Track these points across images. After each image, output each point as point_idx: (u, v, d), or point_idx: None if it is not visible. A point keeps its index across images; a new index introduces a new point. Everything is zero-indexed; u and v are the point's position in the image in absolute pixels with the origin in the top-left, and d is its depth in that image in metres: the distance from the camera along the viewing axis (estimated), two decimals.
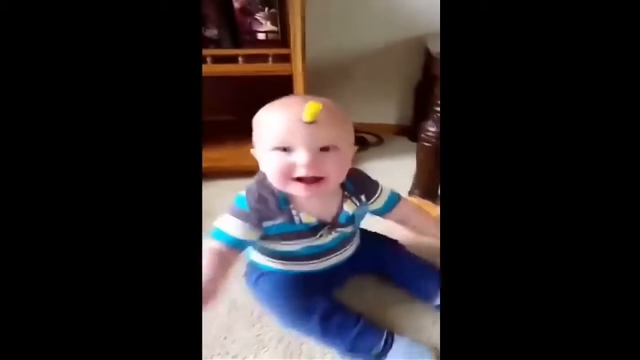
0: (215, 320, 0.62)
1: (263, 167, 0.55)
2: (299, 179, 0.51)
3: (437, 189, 0.94)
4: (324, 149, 0.50)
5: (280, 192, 0.55)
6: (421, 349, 0.54)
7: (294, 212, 0.56)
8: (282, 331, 0.60)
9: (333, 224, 0.59)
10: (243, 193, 0.56)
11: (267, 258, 0.63)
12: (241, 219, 0.54)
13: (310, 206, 0.57)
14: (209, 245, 0.52)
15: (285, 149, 0.50)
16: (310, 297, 0.58)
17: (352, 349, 0.54)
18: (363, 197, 0.62)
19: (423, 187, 0.94)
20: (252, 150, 0.58)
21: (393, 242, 0.72)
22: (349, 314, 0.58)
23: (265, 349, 0.57)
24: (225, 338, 0.59)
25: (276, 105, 0.53)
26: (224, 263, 0.51)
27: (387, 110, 1.46)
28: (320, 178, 0.51)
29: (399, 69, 1.36)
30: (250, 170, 0.61)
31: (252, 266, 0.66)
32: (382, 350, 0.53)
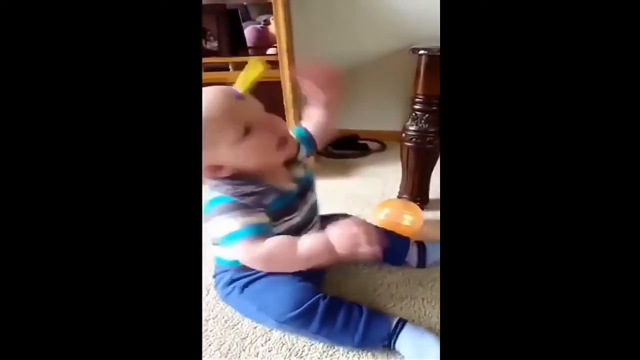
0: None
1: (241, 161, 0.51)
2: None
3: (422, 190, 0.87)
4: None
5: (243, 181, 0.52)
6: (429, 339, 0.51)
7: (274, 185, 0.54)
8: (223, 337, 0.57)
9: (303, 191, 0.59)
10: (214, 195, 0.52)
11: None
12: (239, 209, 0.50)
13: (276, 176, 0.55)
14: (258, 250, 0.49)
15: (248, 130, 0.49)
16: (305, 297, 0.53)
17: (362, 343, 0.51)
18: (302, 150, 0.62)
19: (408, 188, 0.87)
20: (211, 166, 0.52)
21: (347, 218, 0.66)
22: (351, 307, 0.53)
23: (203, 355, 0.55)
24: None
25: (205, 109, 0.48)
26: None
27: (393, 118, 1.41)
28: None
29: (404, 77, 1.31)
30: None
31: (228, 272, 0.61)
32: (391, 340, 0.51)
